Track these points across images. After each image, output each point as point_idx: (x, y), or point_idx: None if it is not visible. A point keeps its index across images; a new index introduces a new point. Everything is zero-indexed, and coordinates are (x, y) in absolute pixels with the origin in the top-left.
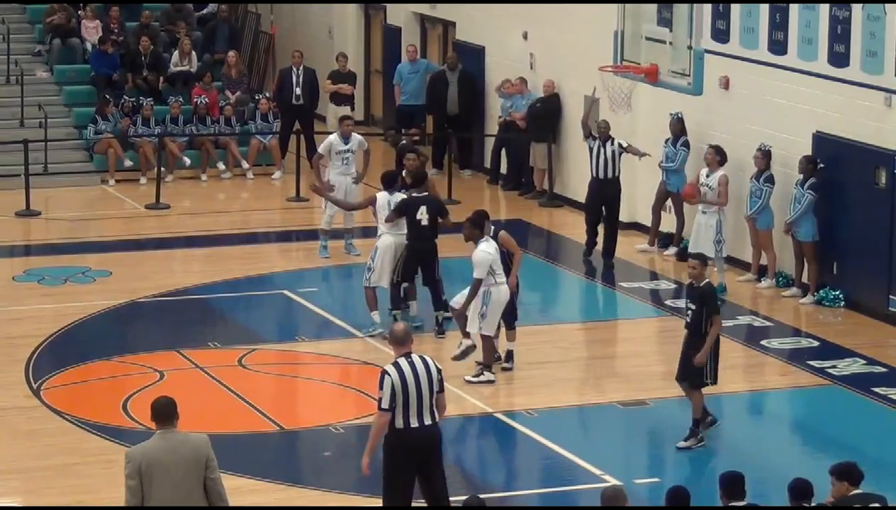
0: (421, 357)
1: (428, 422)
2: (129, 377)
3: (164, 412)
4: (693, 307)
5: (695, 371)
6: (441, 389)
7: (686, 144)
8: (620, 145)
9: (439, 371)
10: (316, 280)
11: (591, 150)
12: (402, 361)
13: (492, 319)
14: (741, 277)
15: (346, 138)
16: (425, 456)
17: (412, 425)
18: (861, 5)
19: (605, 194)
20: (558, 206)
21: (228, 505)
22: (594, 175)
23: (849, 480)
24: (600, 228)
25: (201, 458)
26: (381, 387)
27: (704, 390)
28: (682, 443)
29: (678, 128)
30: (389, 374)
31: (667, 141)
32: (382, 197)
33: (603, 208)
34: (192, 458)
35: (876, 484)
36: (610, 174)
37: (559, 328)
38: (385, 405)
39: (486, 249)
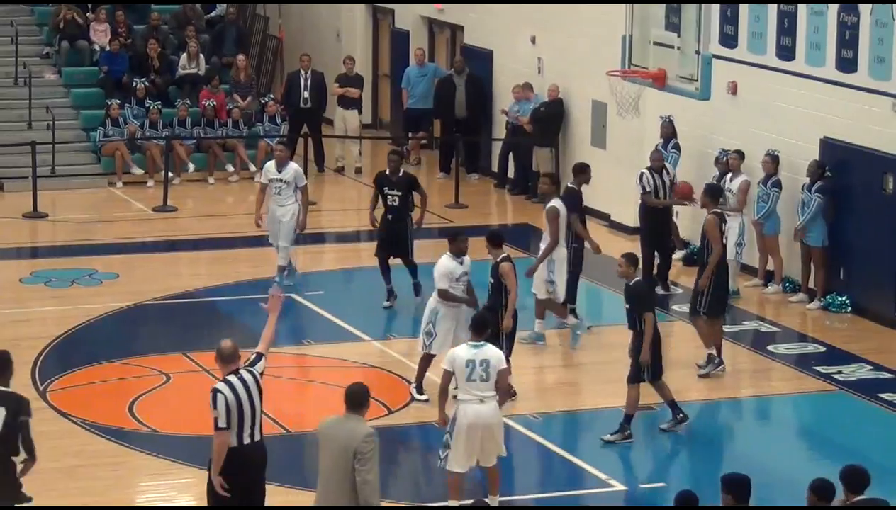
0: (248, 371)
1: (258, 438)
2: (135, 379)
3: (351, 398)
4: (626, 306)
5: (633, 366)
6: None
7: (677, 147)
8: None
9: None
10: (322, 283)
11: (647, 182)
12: (233, 378)
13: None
14: (748, 282)
15: (279, 166)
16: (256, 475)
17: (245, 443)
18: (869, 8)
19: (657, 223)
20: None
21: (369, 504)
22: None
23: (847, 487)
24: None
25: (351, 447)
26: (214, 407)
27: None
28: (607, 437)
29: (669, 130)
30: (223, 393)
31: (658, 144)
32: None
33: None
34: (343, 443)
35: (881, 489)
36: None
37: (565, 332)
38: (223, 424)
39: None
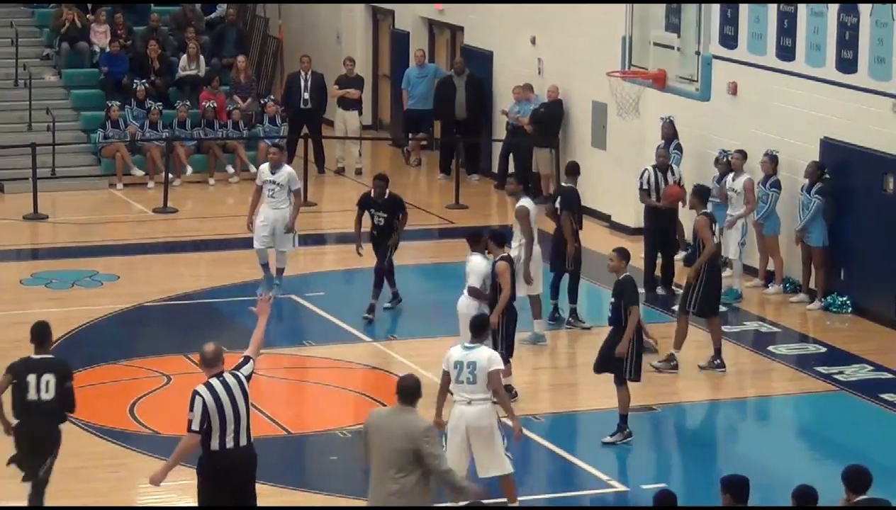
0: (233, 374)
1: (244, 443)
2: (136, 381)
3: (404, 391)
4: (612, 300)
5: (616, 365)
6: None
7: (679, 147)
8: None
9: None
10: (323, 284)
11: (648, 179)
12: (215, 381)
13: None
14: (749, 283)
15: (273, 168)
16: (242, 479)
17: (228, 447)
18: (869, 9)
19: (661, 223)
20: None
21: (457, 485)
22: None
23: (849, 487)
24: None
25: (408, 442)
26: (191, 409)
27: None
28: (607, 439)
29: (670, 131)
30: (201, 395)
31: (659, 145)
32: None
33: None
34: (399, 434)
35: (882, 490)
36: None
37: (566, 333)
38: (195, 427)
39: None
